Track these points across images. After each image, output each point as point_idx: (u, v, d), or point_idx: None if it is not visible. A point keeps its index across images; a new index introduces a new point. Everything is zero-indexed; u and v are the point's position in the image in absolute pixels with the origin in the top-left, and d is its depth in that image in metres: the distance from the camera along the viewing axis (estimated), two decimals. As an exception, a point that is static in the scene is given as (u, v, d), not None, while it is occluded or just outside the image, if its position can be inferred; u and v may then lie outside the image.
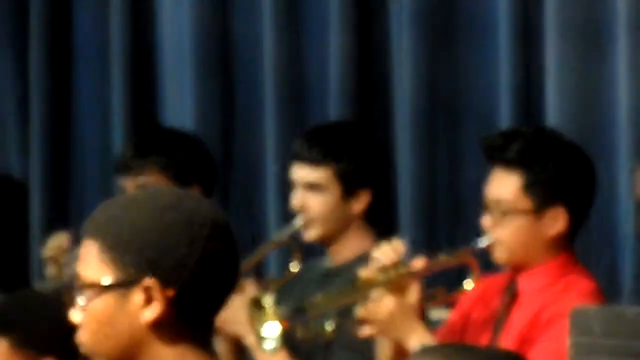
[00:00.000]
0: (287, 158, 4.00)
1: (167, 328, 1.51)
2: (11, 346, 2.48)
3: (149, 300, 1.51)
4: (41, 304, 2.86)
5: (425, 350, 2.73)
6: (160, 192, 2.93)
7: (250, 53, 5.10)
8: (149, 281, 1.52)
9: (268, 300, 3.31)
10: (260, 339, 3.27)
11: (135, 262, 1.74)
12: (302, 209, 3.50)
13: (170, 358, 1.57)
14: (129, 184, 3.91)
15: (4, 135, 5.84)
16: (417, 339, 2.91)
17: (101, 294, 1.53)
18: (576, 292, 3.02)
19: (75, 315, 1.97)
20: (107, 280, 1.54)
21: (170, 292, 1.52)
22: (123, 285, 1.52)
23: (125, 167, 4.03)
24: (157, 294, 1.50)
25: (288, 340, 3.30)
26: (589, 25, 4.25)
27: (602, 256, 3.70)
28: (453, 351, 2.54)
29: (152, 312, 1.50)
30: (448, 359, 2.36)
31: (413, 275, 3.07)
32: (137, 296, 1.48)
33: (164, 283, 1.52)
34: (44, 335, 2.52)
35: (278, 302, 3.34)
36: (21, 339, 2.51)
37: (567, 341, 2.52)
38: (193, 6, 5.17)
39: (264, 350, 3.30)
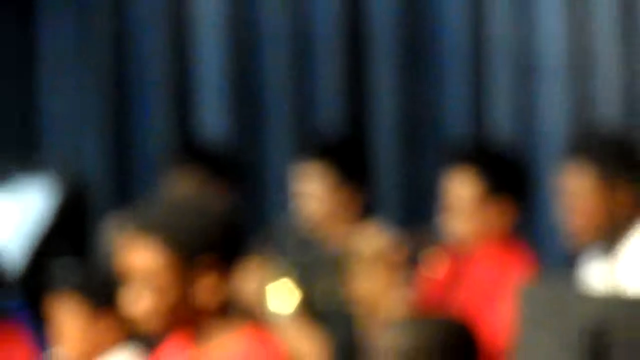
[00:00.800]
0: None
1: (210, 297, 2.28)
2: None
3: (199, 278, 2.27)
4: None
5: (398, 320, 2.96)
6: (194, 195, 3.58)
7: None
8: (199, 265, 2.25)
9: (280, 275, 3.77)
10: (275, 306, 3.73)
11: (186, 250, 2.27)
12: (312, 200, 4.22)
13: (212, 319, 2.32)
14: (174, 180, 4.54)
15: (70, 127, 6.37)
16: (397, 307, 3.41)
17: (159, 275, 2.27)
18: (519, 267, 3.58)
19: (130, 290, 2.35)
20: (164, 263, 2.27)
21: (212, 273, 2.26)
22: (177, 269, 2.26)
23: (172, 167, 4.78)
24: (207, 277, 2.25)
25: (297, 308, 3.77)
26: (524, 57, 5.11)
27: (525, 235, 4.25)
28: (418, 319, 2.99)
29: (203, 287, 2.26)
30: (412, 326, 2.48)
31: (396, 256, 3.53)
32: (190, 276, 2.25)
33: (209, 265, 2.25)
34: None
35: (288, 276, 3.80)
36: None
37: (513, 311, 3.36)
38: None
39: (279, 315, 3.80)
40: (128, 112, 5.98)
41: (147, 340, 3.16)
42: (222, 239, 2.53)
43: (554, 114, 5.03)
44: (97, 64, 6.25)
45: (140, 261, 2.46)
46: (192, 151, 5.02)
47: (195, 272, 2.42)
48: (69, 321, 3.49)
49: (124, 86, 6.17)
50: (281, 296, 3.82)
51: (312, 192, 4.09)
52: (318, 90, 5.65)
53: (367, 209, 4.35)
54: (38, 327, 4.05)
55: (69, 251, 5.08)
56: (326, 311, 3.95)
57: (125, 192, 5.76)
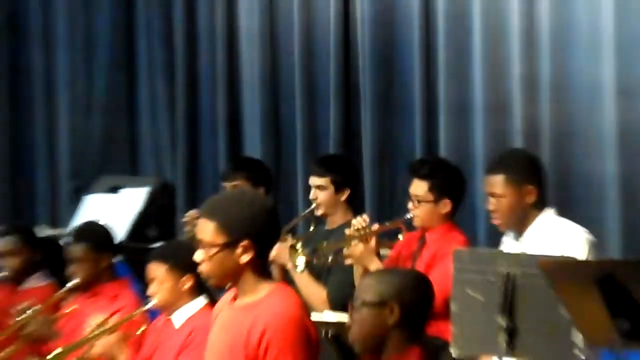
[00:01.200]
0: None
1: (253, 263, 2.70)
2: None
3: (245, 251, 2.65)
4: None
5: (374, 272, 3.63)
6: (245, 191, 3.93)
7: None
8: (244, 242, 2.65)
9: (298, 245, 4.48)
10: (294, 266, 4.48)
11: (238, 232, 2.67)
12: (315, 199, 4.83)
13: (253, 279, 2.75)
14: (227, 186, 5.19)
15: (159, 150, 7.27)
16: (374, 265, 4.19)
17: (218, 248, 2.69)
18: (456, 242, 4.20)
19: (199, 256, 2.74)
20: (221, 241, 2.69)
21: (252, 248, 2.65)
22: (230, 244, 2.67)
23: (226, 176, 5.42)
24: (249, 250, 2.65)
25: (309, 266, 4.51)
26: (460, 101, 5.57)
27: (464, 224, 4.86)
28: (387, 272, 3.47)
29: (246, 256, 2.66)
30: (383, 276, 3.16)
31: (372, 233, 4.35)
32: (239, 249, 2.65)
33: (252, 243, 2.66)
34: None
35: (303, 246, 4.51)
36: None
37: (452, 269, 3.45)
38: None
39: (296, 272, 4.50)
40: (196, 139, 6.79)
41: (213, 292, 3.82)
42: (263, 224, 3.01)
43: (480, 144, 5.47)
44: (179, 110, 6.95)
45: (204, 236, 2.93)
46: (238, 166, 5.52)
47: (241, 246, 2.92)
48: (160, 280, 3.98)
49: (195, 123, 6.86)
50: (296, 260, 4.50)
51: (320, 192, 4.82)
52: (323, 125, 6.10)
53: (357, 204, 5.05)
54: (140, 284, 4.64)
55: (160, 233, 6.15)
56: (326, 269, 4.66)
57: (195, 194, 6.53)
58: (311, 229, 4.96)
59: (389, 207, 5.53)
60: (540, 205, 3.92)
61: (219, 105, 6.68)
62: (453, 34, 5.61)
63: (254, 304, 2.95)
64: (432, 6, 5.74)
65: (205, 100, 6.89)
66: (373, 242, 4.32)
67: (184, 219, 5.15)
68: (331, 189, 4.77)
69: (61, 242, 5.24)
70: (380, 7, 5.91)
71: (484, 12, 5.57)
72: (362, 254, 4.28)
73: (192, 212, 4.96)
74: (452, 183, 4.35)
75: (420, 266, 4.10)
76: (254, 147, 6.35)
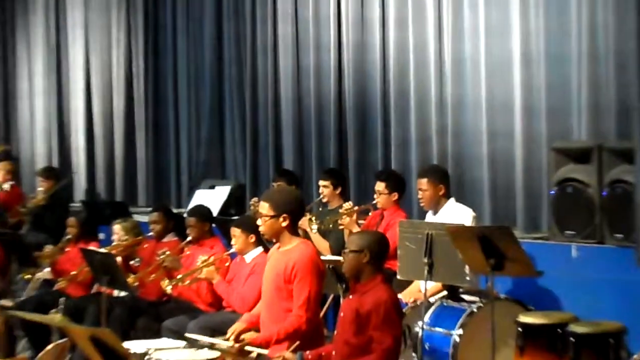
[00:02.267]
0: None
1: (289, 227, 3.49)
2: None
3: (285, 220, 3.45)
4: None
5: (355, 233, 4.22)
6: (284, 187, 4.81)
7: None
8: (284, 215, 3.44)
9: (313, 218, 5.11)
10: (311, 229, 5.08)
11: (281, 209, 3.48)
12: (322, 193, 5.51)
13: (288, 236, 3.50)
14: (275, 184, 5.68)
15: (236, 164, 7.46)
16: (355, 229, 4.78)
17: (269, 218, 3.47)
18: (400, 217, 4.92)
19: (259, 223, 3.52)
20: (271, 214, 3.47)
21: (289, 218, 3.46)
22: (276, 216, 3.46)
23: (274, 179, 5.97)
24: (287, 219, 3.47)
25: (319, 230, 5.17)
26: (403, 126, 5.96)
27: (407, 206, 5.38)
28: (363, 232, 4.14)
29: (285, 223, 3.45)
30: (360, 235, 3.75)
31: (354, 212, 5.05)
32: (281, 219, 3.45)
33: (289, 216, 3.46)
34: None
35: (316, 219, 5.18)
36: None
37: (398, 231, 4.21)
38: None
39: (312, 233, 5.07)
40: (256, 157, 7.21)
41: (266, 244, 4.46)
42: (294, 205, 3.72)
43: (414, 159, 6.00)
44: (248, 140, 7.27)
45: (262, 211, 3.63)
46: (280, 173, 6.18)
47: (282, 217, 3.62)
48: (237, 237, 4.70)
49: (256, 147, 7.24)
50: (312, 226, 5.16)
51: (324, 189, 5.56)
52: (327, 150, 6.67)
53: (346, 195, 5.76)
54: (226, 240, 5.22)
55: (237, 211, 6.67)
56: (328, 232, 5.33)
57: (255, 190, 6.98)
58: (320, 209, 5.74)
59: (364, 197, 6.07)
60: (447, 196, 4.58)
61: (270, 137, 7.15)
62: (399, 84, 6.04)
63: (289, 250, 3.67)
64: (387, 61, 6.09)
65: (264, 133, 7.24)
66: (355, 216, 5.10)
67: (251, 202, 5.84)
68: (331, 187, 5.59)
69: (184, 215, 5.75)
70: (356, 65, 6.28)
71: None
72: (349, 223, 5.03)
73: (255, 199, 5.59)
74: (399, 183, 5.03)
75: (381, 229, 4.79)
76: (289, 161, 7.01)
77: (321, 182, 5.68)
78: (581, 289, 4.55)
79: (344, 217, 5.09)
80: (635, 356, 3.83)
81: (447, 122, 5.83)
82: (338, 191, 5.63)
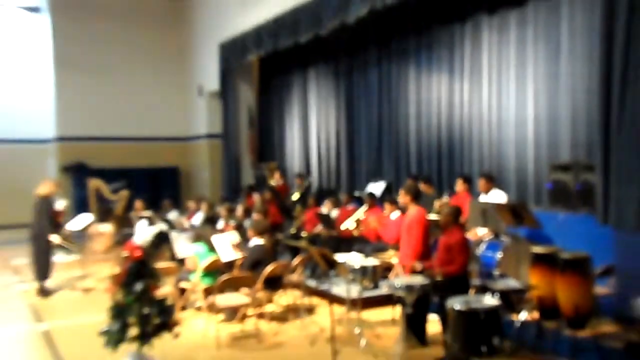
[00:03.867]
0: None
1: (411, 200, 3.83)
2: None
3: (410, 200, 3.94)
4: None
5: (446, 206, 3.86)
6: (409, 183, 4.14)
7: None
8: (409, 196, 3.81)
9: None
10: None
11: (407, 192, 3.92)
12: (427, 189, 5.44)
13: (412, 205, 3.86)
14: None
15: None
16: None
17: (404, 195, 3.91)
18: (468, 198, 5.17)
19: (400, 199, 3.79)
20: (408, 197, 3.97)
21: (410, 196, 3.87)
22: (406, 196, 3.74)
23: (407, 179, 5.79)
24: (409, 197, 3.87)
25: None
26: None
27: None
28: (451, 206, 3.85)
29: (409, 198, 3.87)
30: (450, 207, 3.73)
31: (443, 201, 5.10)
32: (407, 197, 3.98)
33: (411, 196, 3.84)
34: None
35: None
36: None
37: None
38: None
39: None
40: (400, 165, 7.37)
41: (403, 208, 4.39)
42: (415, 192, 3.63)
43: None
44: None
45: (400, 199, 3.56)
46: (409, 175, 6.12)
47: (407, 197, 3.66)
48: (403, 197, 4.20)
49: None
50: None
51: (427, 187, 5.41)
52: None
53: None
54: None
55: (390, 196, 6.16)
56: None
57: (398, 184, 6.79)
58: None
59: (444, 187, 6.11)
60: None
61: (403, 158, 7.28)
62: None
63: (410, 212, 3.89)
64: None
65: (405, 156, 7.36)
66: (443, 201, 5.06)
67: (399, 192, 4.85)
68: (429, 185, 5.75)
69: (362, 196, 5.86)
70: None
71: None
72: (441, 206, 4.90)
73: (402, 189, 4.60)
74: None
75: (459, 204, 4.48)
76: (413, 170, 7.04)
77: (423, 184, 6.15)
78: (564, 236, 4.63)
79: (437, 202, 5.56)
80: (597, 270, 3.86)
81: (493, 151, 6.29)
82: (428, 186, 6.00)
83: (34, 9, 10.88)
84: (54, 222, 5.86)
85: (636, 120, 3.64)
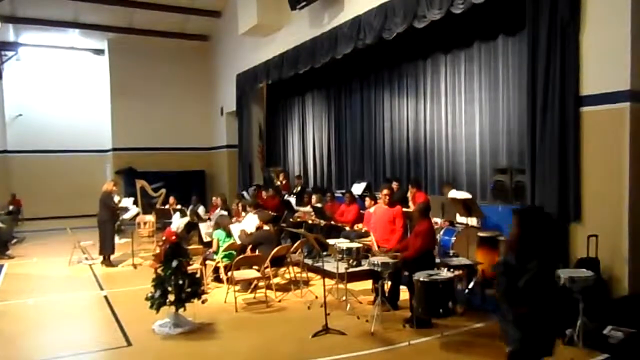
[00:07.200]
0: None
1: (389, 197, 3.46)
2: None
3: (414, 198, 3.94)
4: None
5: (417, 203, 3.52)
6: (387, 185, 3.86)
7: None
8: (386, 193, 3.33)
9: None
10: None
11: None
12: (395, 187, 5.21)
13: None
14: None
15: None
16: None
17: (388, 194, 3.44)
18: (422, 197, 4.81)
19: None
20: (386, 192, 3.51)
21: (389, 195, 3.43)
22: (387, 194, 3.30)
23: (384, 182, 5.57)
24: (388, 195, 3.38)
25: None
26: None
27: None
28: (419, 203, 3.41)
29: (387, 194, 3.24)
30: (419, 204, 3.31)
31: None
32: (386, 192, 3.33)
33: (389, 193, 3.44)
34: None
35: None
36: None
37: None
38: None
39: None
40: (376, 169, 7.05)
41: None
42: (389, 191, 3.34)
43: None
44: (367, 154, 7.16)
45: (384, 191, 3.18)
46: (385, 179, 5.97)
47: (385, 194, 3.29)
48: (385, 196, 3.90)
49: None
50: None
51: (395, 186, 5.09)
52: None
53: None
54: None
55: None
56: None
57: (376, 185, 6.54)
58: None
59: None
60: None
61: (380, 163, 7.02)
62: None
63: (390, 207, 3.66)
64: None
65: (381, 162, 7.05)
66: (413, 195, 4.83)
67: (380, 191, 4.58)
68: (397, 185, 5.49)
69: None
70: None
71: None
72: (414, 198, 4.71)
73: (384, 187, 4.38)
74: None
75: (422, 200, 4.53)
76: (388, 172, 6.81)
77: (394, 184, 5.98)
78: (503, 223, 4.66)
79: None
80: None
81: (449, 158, 6.16)
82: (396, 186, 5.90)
83: (99, 51, 11.51)
84: (114, 212, 6.12)
85: (553, 134, 3.87)
